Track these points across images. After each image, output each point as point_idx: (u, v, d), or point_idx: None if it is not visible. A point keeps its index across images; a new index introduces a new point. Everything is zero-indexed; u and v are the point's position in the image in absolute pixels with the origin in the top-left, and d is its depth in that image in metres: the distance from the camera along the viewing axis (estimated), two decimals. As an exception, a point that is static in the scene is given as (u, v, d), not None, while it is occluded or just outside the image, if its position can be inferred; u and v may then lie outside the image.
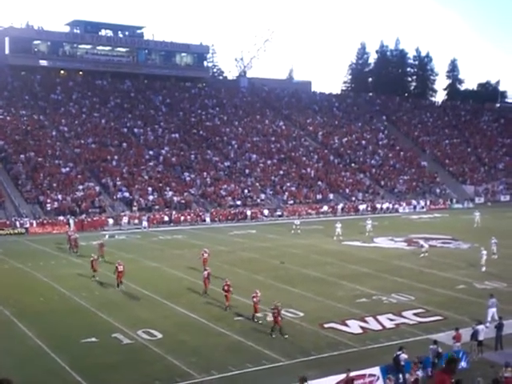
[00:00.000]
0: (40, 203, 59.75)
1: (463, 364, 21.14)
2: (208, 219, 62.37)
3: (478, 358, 21.79)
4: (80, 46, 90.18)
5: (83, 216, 58.38)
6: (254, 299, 26.50)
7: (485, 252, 38.09)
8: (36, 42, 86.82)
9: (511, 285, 33.56)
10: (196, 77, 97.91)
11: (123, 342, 23.91)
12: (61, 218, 57.21)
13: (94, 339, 24.09)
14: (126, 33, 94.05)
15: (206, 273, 31.27)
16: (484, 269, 37.21)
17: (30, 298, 30.93)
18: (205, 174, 71.68)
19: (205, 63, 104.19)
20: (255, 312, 26.58)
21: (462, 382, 15.47)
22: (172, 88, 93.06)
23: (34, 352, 22.93)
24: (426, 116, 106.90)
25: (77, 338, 24.25)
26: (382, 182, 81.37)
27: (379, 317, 27.20)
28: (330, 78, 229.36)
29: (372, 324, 26.34)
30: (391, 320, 26.94)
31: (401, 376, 20.03)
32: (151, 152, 73.77)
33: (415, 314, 27.76)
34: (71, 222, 56.01)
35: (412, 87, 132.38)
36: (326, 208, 69.93)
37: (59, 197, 60.55)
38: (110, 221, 58.19)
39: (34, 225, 55.78)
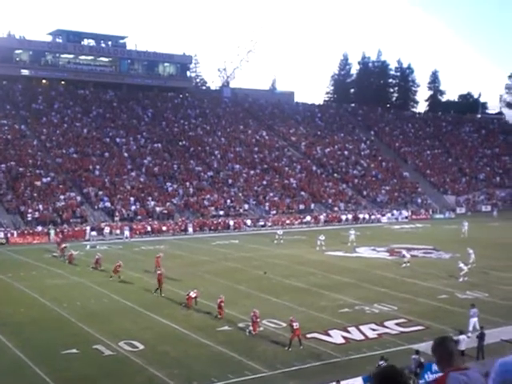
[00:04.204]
0: (21, 213, 59.22)
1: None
2: (191, 229, 62.17)
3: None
4: (62, 56, 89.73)
5: (64, 226, 57.98)
6: (221, 303, 28.33)
7: (462, 265, 38.23)
8: (18, 52, 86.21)
9: (492, 295, 33.79)
10: (179, 87, 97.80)
11: (104, 354, 23.70)
12: (39, 228, 56.74)
13: (74, 350, 23.86)
14: (109, 42, 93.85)
15: (192, 293, 30.75)
16: (461, 279, 37.38)
17: (11, 309, 30.59)
18: (187, 183, 71.50)
19: (188, 73, 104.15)
20: (220, 316, 28.28)
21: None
22: (155, 98, 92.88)
23: (14, 363, 22.68)
24: (408, 127, 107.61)
25: (57, 349, 24.02)
26: (364, 192, 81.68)
27: (362, 327, 27.24)
28: (312, 89, 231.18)
29: (354, 334, 26.36)
30: (374, 330, 26.99)
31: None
32: (133, 161, 73.49)
33: (397, 324, 27.83)
34: (52, 232, 55.43)
35: (394, 98, 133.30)
36: (308, 218, 70.01)
37: (40, 207, 60.05)
38: (93, 233, 57.59)
39: (15, 235, 55.29)
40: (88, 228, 57.76)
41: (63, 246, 47.15)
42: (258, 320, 26.22)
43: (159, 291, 33.41)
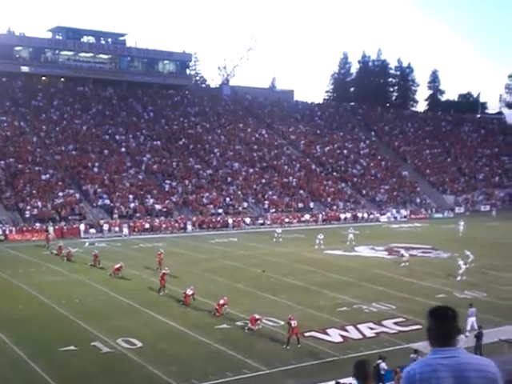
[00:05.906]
0: (19, 210, 59.20)
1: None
2: (189, 227, 62.15)
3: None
4: (62, 53, 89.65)
5: (63, 223, 57.98)
6: (221, 302, 28.46)
7: (461, 263, 38.26)
8: (18, 48, 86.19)
9: (490, 294, 33.77)
10: (178, 84, 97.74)
11: (102, 351, 23.69)
12: (38, 225, 56.71)
13: (72, 347, 23.84)
14: (109, 40, 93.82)
15: (189, 290, 30.81)
16: (459, 278, 37.41)
17: (9, 306, 30.59)
18: (187, 181, 71.49)
19: (187, 71, 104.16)
20: (218, 314, 28.29)
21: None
22: (154, 95, 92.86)
23: (12, 360, 22.68)
24: (407, 126, 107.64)
25: (55, 346, 24.01)
26: (364, 192, 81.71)
27: (360, 325, 27.22)
28: (312, 88, 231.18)
29: (352, 333, 26.35)
30: (371, 329, 26.97)
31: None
32: (132, 159, 73.43)
33: (395, 323, 27.82)
34: (50, 228, 55.38)
35: (393, 97, 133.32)
36: (307, 217, 70.03)
37: (39, 204, 60.03)
38: (92, 230, 57.52)
39: (14, 232, 55.28)
40: (82, 226, 57.63)
41: (59, 244, 47.05)
42: (258, 320, 26.29)
43: (162, 289, 33.28)
